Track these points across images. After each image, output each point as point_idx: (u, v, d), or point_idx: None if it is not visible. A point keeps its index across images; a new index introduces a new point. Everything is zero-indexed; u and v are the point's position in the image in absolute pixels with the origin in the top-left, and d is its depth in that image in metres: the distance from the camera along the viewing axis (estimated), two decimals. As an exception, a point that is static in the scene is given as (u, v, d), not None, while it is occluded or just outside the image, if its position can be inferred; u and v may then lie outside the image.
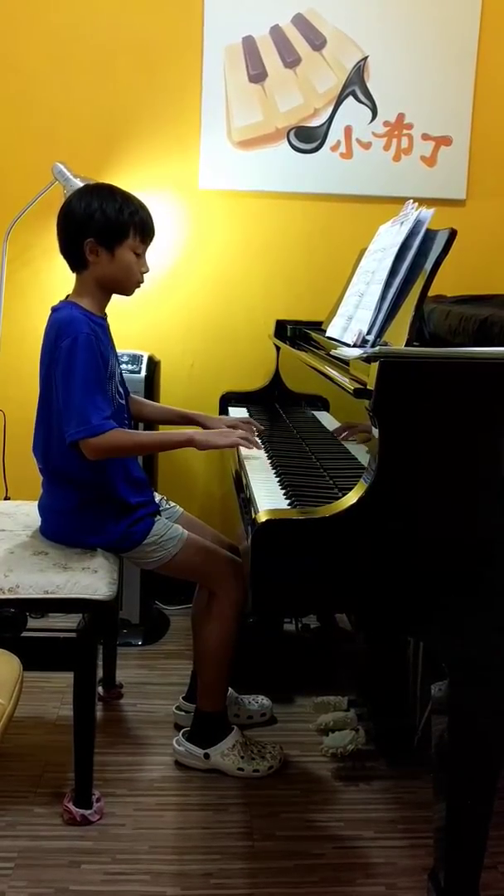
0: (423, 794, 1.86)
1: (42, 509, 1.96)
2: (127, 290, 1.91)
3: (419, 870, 1.64)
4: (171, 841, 1.74)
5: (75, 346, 1.75)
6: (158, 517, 1.93)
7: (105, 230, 1.81)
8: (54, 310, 1.87)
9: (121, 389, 1.94)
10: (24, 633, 1.78)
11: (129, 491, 1.89)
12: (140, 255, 1.87)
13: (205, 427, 2.08)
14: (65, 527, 1.90)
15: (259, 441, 1.97)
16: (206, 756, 1.95)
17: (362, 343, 1.72)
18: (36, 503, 2.00)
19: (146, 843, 1.72)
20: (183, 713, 2.13)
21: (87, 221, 1.80)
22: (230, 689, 2.10)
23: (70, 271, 1.91)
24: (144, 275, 1.90)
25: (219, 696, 1.99)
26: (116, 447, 1.80)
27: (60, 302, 1.89)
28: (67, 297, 1.90)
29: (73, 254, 1.85)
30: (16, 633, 1.75)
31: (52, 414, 1.84)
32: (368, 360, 1.27)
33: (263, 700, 2.21)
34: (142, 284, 1.92)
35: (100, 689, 2.24)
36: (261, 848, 1.73)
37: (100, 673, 2.14)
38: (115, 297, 1.93)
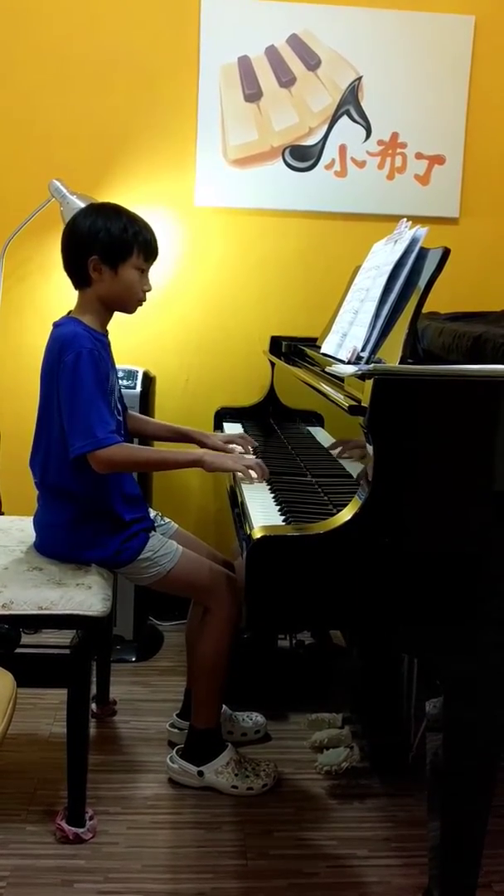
0: (418, 812, 1.85)
1: (37, 525, 1.96)
2: (129, 308, 1.93)
3: (414, 889, 1.63)
4: (165, 860, 1.73)
5: (80, 360, 1.76)
6: (153, 533, 1.93)
7: (109, 248, 1.82)
8: (56, 325, 1.88)
9: (119, 406, 1.95)
10: (18, 650, 1.77)
11: (123, 507, 1.89)
12: (143, 274, 1.89)
13: (201, 444, 2.08)
14: (60, 542, 1.90)
15: (266, 471, 1.86)
16: (200, 773, 1.94)
17: (357, 360, 1.73)
18: (31, 519, 2.00)
19: (139, 862, 1.71)
20: (177, 730, 2.12)
21: (92, 239, 1.82)
22: (224, 705, 2.10)
23: (72, 288, 1.92)
24: (146, 293, 1.92)
25: (213, 712, 1.98)
26: (123, 461, 1.81)
27: (62, 318, 1.90)
28: (69, 313, 1.92)
29: (77, 271, 1.86)
30: (9, 650, 1.74)
31: (52, 428, 1.84)
32: (363, 377, 1.28)
33: (257, 717, 2.20)
34: (143, 303, 1.93)
35: (93, 706, 2.23)
36: (254, 867, 1.72)
37: (93, 689, 2.13)
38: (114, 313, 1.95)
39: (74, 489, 1.85)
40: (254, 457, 1.96)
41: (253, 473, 1.83)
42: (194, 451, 1.95)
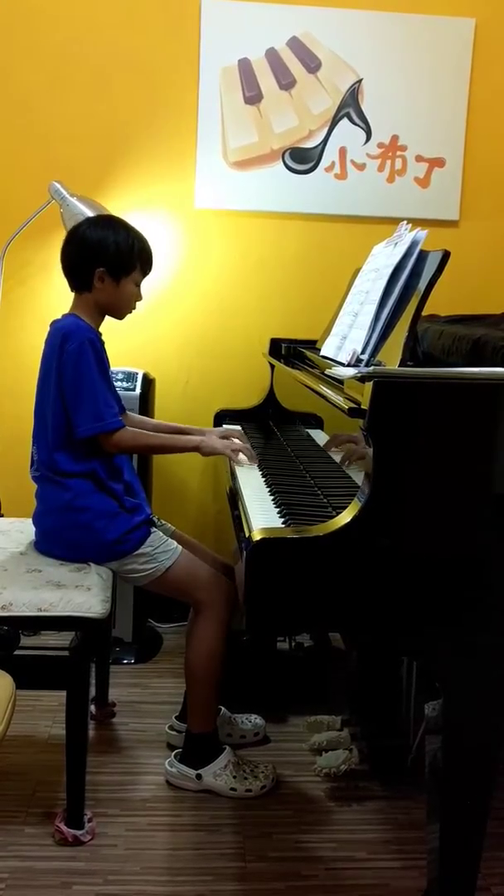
0: (417, 815, 1.85)
1: (37, 517, 1.97)
2: (121, 316, 2.02)
3: (413, 891, 1.63)
4: (163, 862, 1.73)
5: (84, 348, 1.84)
6: (154, 529, 1.94)
7: (116, 262, 1.92)
8: (55, 322, 1.95)
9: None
10: (17, 651, 1.77)
11: (119, 486, 1.92)
12: (138, 286, 1.98)
13: None
14: (60, 528, 1.91)
15: (254, 453, 2.03)
16: (199, 777, 1.94)
17: (356, 362, 1.73)
18: (30, 520, 2.00)
19: (138, 864, 1.71)
20: (175, 733, 2.12)
21: (101, 251, 1.91)
22: (223, 708, 2.10)
23: (68, 289, 1.96)
24: (137, 303, 2.01)
25: (208, 716, 1.98)
26: (132, 443, 1.94)
27: (61, 317, 1.96)
28: (64, 315, 1.97)
29: (80, 277, 1.94)
30: (8, 652, 1.75)
31: (46, 415, 1.89)
32: (363, 379, 1.28)
33: (256, 719, 2.20)
34: (133, 311, 2.02)
35: (92, 708, 2.23)
36: (253, 869, 1.72)
37: (92, 691, 2.12)
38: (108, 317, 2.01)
39: (69, 468, 1.88)
40: (240, 442, 2.07)
41: (242, 456, 1.98)
42: (193, 438, 2.06)
